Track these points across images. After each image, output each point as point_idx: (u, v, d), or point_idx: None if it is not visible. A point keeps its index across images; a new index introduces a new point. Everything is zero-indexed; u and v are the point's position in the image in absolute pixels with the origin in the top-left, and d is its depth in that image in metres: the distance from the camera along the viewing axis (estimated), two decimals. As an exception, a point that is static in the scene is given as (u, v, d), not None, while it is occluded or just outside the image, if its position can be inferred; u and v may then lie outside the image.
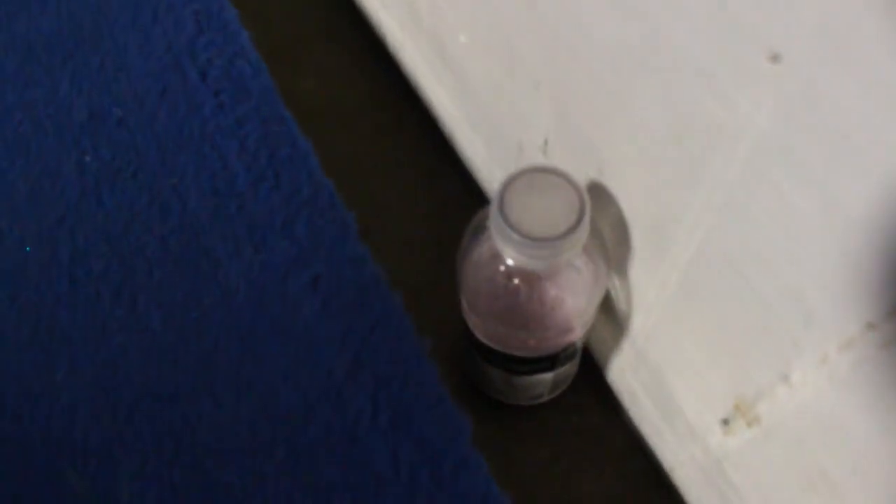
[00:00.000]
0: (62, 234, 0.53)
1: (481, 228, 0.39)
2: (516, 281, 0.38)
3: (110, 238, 0.53)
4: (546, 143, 0.42)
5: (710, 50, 0.25)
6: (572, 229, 0.34)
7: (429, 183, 0.56)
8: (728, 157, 0.27)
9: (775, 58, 0.22)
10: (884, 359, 0.24)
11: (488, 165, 0.52)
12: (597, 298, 0.40)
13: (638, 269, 0.39)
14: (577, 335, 0.42)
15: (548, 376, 0.45)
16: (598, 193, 0.38)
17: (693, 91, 0.28)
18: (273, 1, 0.63)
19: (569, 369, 0.47)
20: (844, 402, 0.28)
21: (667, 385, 0.42)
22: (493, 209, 0.35)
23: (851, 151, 0.22)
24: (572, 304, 0.40)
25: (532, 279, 0.38)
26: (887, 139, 0.21)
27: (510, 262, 0.37)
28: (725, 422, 0.37)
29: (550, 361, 0.43)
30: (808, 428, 0.31)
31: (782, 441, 0.34)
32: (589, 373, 0.50)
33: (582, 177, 0.39)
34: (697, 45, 0.26)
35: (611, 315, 0.44)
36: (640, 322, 0.42)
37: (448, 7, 0.47)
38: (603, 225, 0.39)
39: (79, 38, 0.60)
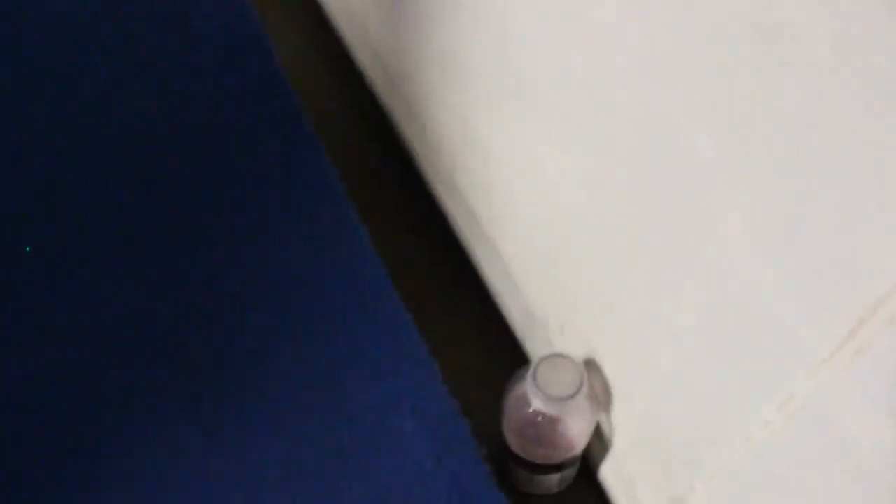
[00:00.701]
0: None
1: (519, 380, 0.62)
2: (540, 417, 0.62)
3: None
4: (563, 328, 0.66)
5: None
6: (576, 392, 0.58)
7: (479, 330, 0.81)
8: (660, 358, 0.51)
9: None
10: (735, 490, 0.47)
11: (523, 328, 0.76)
12: (591, 427, 0.63)
13: (616, 409, 0.62)
14: (578, 450, 0.65)
15: (556, 476, 0.68)
16: (593, 366, 0.62)
17: (635, 328, 0.52)
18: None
19: (572, 471, 0.70)
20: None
21: (634, 484, 0.65)
22: (528, 377, 0.59)
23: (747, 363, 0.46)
24: (575, 431, 0.64)
25: (550, 416, 0.62)
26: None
27: (537, 406, 0.60)
28: (668, 511, 0.60)
29: (559, 466, 0.66)
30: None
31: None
32: (586, 474, 0.72)
33: (583, 355, 0.62)
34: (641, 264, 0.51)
35: (600, 437, 0.68)
36: (618, 442, 0.65)
37: (501, 227, 0.72)
38: (595, 383, 0.63)
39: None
